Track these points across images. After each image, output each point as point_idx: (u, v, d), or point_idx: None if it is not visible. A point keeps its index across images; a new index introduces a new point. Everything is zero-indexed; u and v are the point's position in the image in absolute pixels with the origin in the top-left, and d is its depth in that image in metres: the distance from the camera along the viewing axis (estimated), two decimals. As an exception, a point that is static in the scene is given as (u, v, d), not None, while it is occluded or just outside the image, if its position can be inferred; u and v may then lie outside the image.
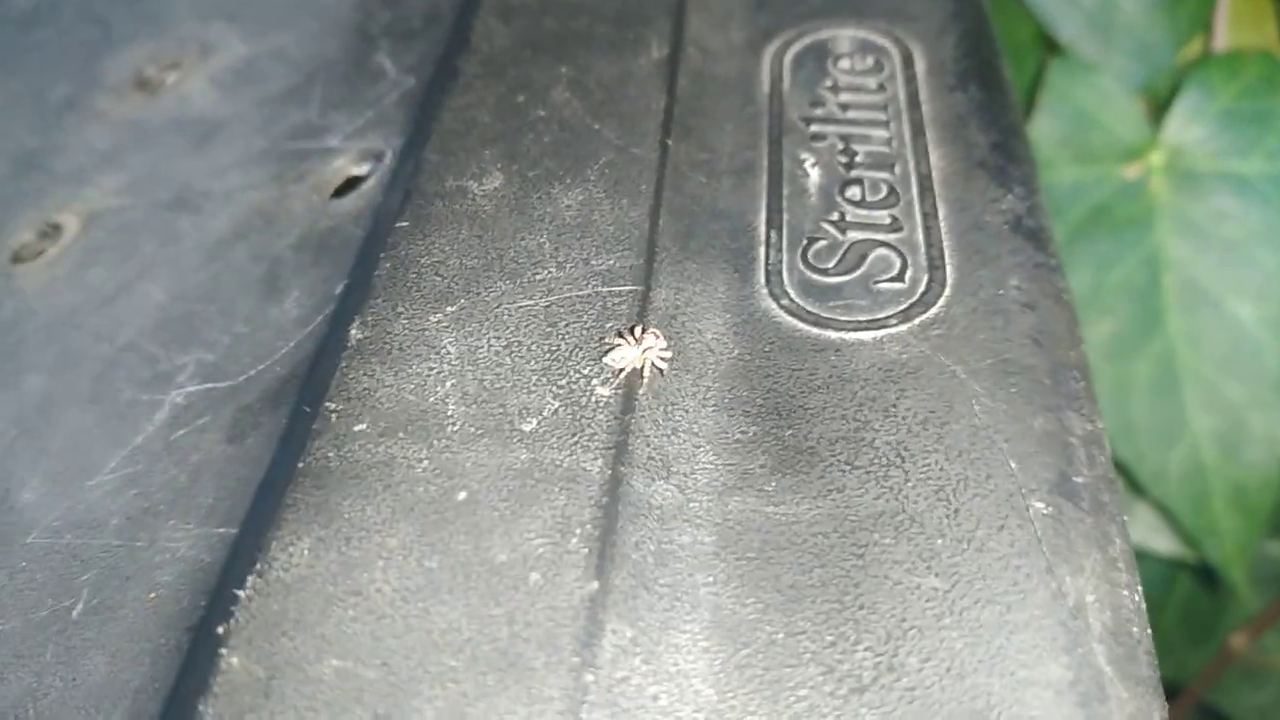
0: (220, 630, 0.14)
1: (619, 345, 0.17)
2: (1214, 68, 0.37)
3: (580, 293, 0.18)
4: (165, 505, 0.18)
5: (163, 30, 0.32)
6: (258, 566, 0.14)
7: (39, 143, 0.29)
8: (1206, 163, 0.37)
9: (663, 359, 0.17)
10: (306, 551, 0.15)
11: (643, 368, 0.17)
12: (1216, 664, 0.48)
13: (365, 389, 0.17)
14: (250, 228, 0.24)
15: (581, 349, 0.17)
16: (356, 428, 0.16)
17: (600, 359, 0.17)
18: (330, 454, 0.16)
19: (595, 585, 0.14)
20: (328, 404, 0.17)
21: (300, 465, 0.16)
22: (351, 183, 0.24)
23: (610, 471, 0.16)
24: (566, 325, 0.18)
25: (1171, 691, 0.50)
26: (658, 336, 0.17)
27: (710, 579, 0.15)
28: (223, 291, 0.22)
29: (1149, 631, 0.15)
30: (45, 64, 0.32)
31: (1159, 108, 0.38)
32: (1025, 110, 0.38)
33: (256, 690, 0.13)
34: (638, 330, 0.17)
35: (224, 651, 0.14)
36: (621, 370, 0.17)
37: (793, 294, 0.19)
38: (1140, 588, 0.16)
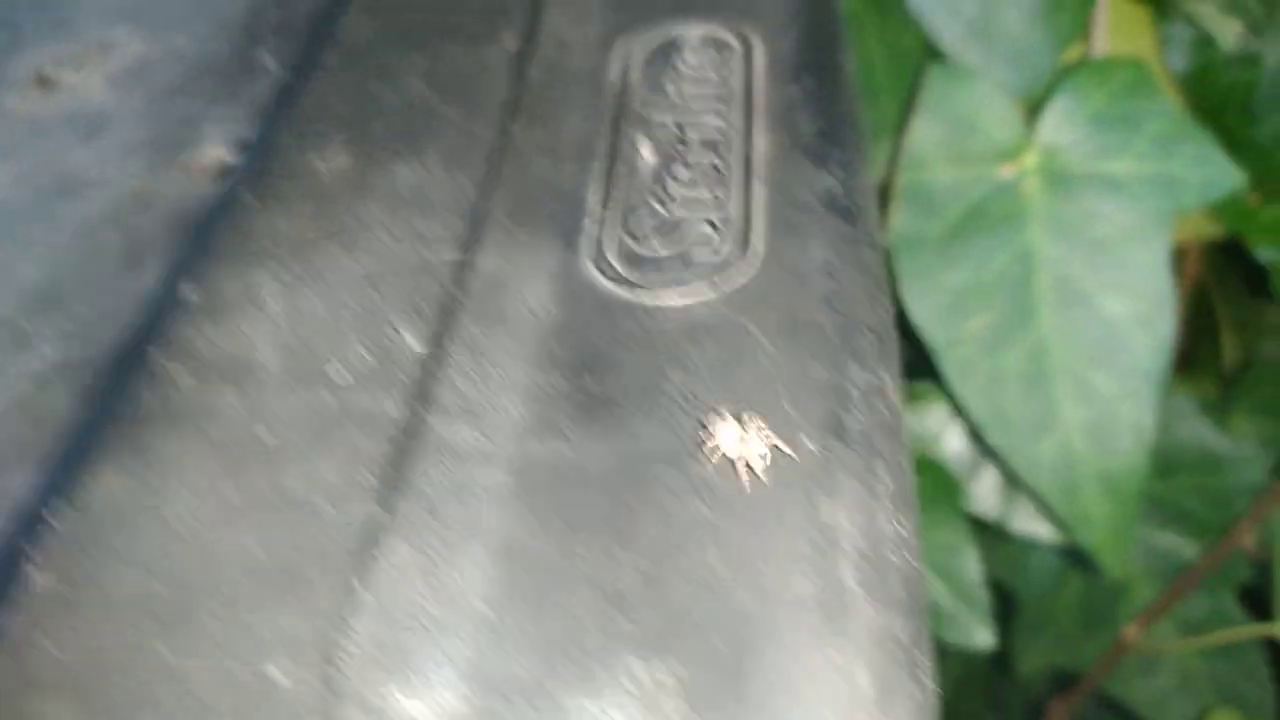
0: (27, 548, 0.15)
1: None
2: (1085, 73, 0.39)
3: (405, 257, 0.19)
4: (12, 460, 0.19)
5: (68, 33, 0.33)
6: (67, 493, 0.16)
7: (-64, 135, 0.30)
8: (1078, 164, 0.38)
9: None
10: (114, 482, 0.16)
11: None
12: (1112, 654, 0.50)
13: (189, 341, 0.18)
14: (124, 210, 0.25)
15: (400, 308, 0.19)
16: (177, 376, 0.17)
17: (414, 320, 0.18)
18: (150, 398, 0.17)
19: (379, 511, 0.16)
20: (151, 352, 0.18)
21: (120, 409, 0.17)
22: (225, 170, 0.25)
23: (410, 414, 0.17)
24: (388, 286, 0.19)
25: (1069, 680, 0.51)
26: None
27: (500, 511, 0.16)
28: (91, 268, 0.23)
29: (915, 562, 0.17)
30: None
31: (1037, 112, 0.40)
32: (905, 114, 0.40)
33: (56, 602, 0.14)
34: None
35: (29, 568, 0.15)
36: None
37: (614, 263, 0.20)
38: (909, 523, 0.17)
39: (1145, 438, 0.38)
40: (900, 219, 0.39)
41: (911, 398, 0.43)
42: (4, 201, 0.27)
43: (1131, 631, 0.49)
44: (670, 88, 0.24)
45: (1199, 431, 0.48)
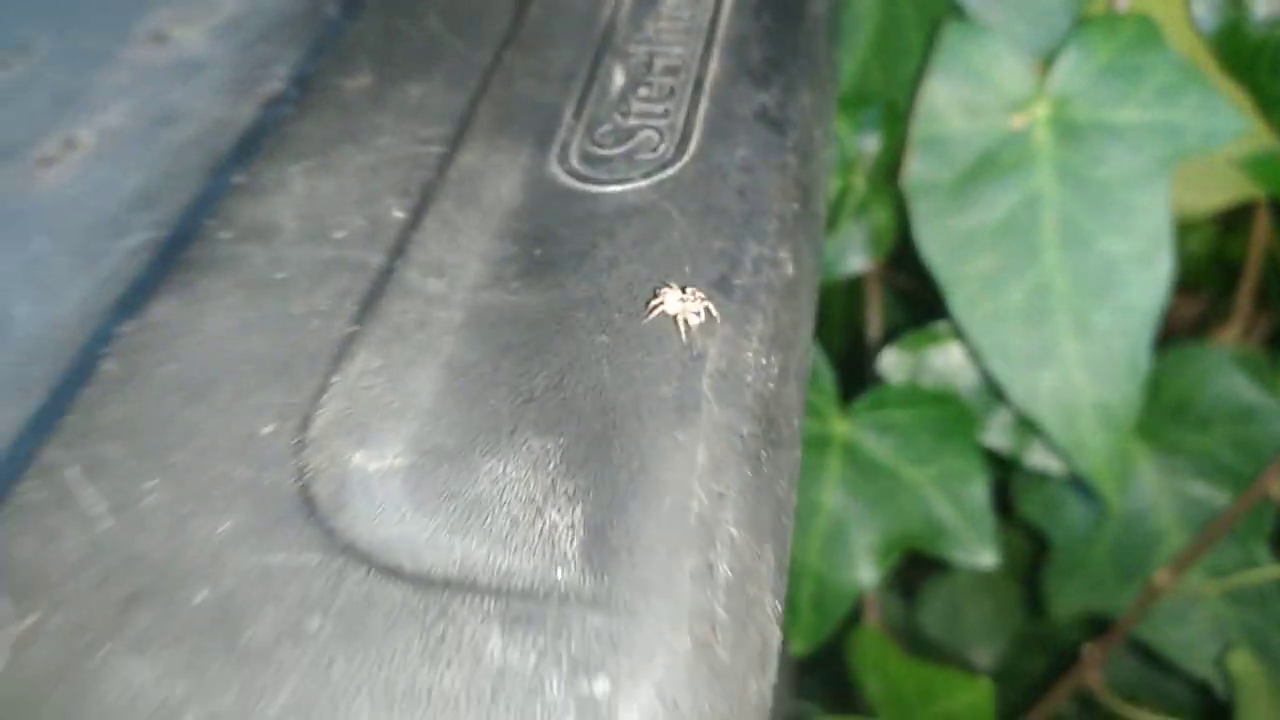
0: (104, 350, 0.21)
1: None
2: (1094, 27, 0.41)
3: (402, 152, 0.24)
4: (111, 311, 0.25)
5: (184, -3, 0.40)
6: (137, 314, 0.21)
7: (75, 82, 0.37)
8: (1085, 113, 0.41)
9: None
10: (167, 305, 0.21)
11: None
12: (1143, 599, 0.51)
13: (232, 211, 0.23)
14: (207, 134, 0.31)
15: (392, 189, 0.24)
16: (221, 235, 0.23)
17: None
18: (200, 251, 0.23)
19: (356, 328, 0.21)
20: (207, 220, 0.23)
21: (180, 259, 0.22)
22: (281, 97, 0.31)
23: (389, 264, 0.22)
24: (385, 173, 0.24)
25: (1101, 626, 0.53)
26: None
27: (453, 339, 0.21)
28: (179, 177, 0.29)
29: (771, 386, 0.21)
30: (91, 25, 0.40)
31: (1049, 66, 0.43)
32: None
33: (116, 381, 0.20)
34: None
35: (101, 360, 0.20)
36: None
37: (574, 162, 0.25)
38: (780, 361, 0.21)
39: (1140, 371, 0.40)
40: (915, 167, 0.42)
41: (932, 337, 0.46)
42: (119, 129, 0.33)
43: (1162, 577, 0.51)
44: (649, 25, 0.29)
45: (1235, 384, 0.50)
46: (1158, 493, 0.51)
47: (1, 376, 0.24)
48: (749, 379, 0.20)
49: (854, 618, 0.49)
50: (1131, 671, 0.57)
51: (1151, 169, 0.40)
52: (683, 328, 0.21)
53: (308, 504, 0.18)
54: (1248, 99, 0.46)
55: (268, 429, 0.19)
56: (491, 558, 0.17)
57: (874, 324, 0.53)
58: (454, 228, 0.23)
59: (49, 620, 0.16)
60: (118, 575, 0.17)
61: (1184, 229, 0.66)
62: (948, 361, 0.46)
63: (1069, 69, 0.41)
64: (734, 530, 0.18)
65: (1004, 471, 0.54)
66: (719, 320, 0.21)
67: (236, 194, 0.24)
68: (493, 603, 0.16)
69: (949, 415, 0.44)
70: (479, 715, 0.15)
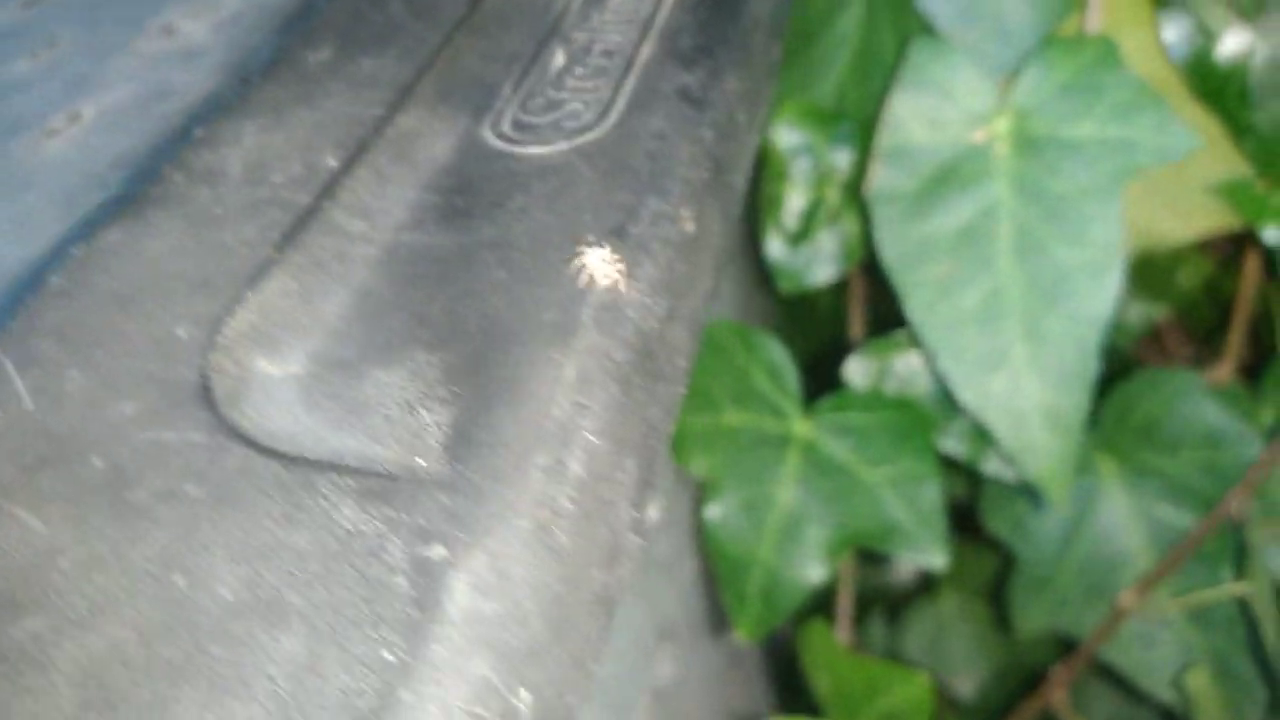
0: (53, 267, 0.23)
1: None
2: (1057, 47, 0.43)
3: (345, 113, 0.27)
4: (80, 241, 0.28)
5: (196, -3, 0.43)
6: (87, 239, 0.23)
7: (89, 68, 0.40)
8: (1044, 128, 0.42)
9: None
10: (114, 234, 0.24)
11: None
12: (1110, 620, 0.52)
13: (188, 160, 0.26)
14: (196, 107, 0.33)
15: (331, 142, 0.26)
16: (174, 177, 0.25)
17: None
18: (154, 190, 0.25)
19: (275, 255, 0.23)
20: (165, 166, 0.26)
21: (135, 194, 0.25)
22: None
23: (316, 204, 0.24)
24: (328, 129, 0.26)
25: (1068, 648, 0.54)
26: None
27: (367, 271, 0.23)
28: (165, 142, 0.32)
29: (654, 325, 0.23)
30: (110, 21, 0.44)
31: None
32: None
33: (60, 294, 0.22)
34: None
35: (49, 276, 0.23)
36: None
37: (505, 128, 0.27)
38: (665, 302, 0.23)
39: (1088, 377, 0.41)
40: (879, 176, 0.44)
41: (895, 344, 0.47)
42: (118, 104, 0.36)
43: (1128, 598, 0.51)
44: (595, 16, 0.31)
45: (1203, 408, 0.50)
46: (1125, 513, 0.51)
47: (-25, 303, 0.27)
48: (631, 314, 0.22)
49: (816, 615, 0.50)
50: (1101, 694, 0.57)
51: (1106, 183, 0.41)
52: (599, 282, 0.22)
53: (205, 395, 0.20)
54: (1219, 126, 0.47)
55: (182, 333, 0.21)
56: (362, 448, 0.19)
57: (855, 329, 0.54)
58: (383, 178, 0.25)
59: (-39, 477, 0.18)
60: (30, 445, 0.19)
61: (1173, 263, 0.67)
62: (909, 368, 0.47)
63: (1031, 85, 0.43)
64: (592, 437, 0.20)
65: (974, 490, 0.55)
66: (609, 255, 0.23)
67: (194, 144, 0.26)
68: (352, 480, 0.18)
69: (907, 420, 0.45)
70: (321, 567, 0.17)
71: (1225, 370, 0.63)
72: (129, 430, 0.19)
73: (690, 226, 0.25)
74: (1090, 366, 0.41)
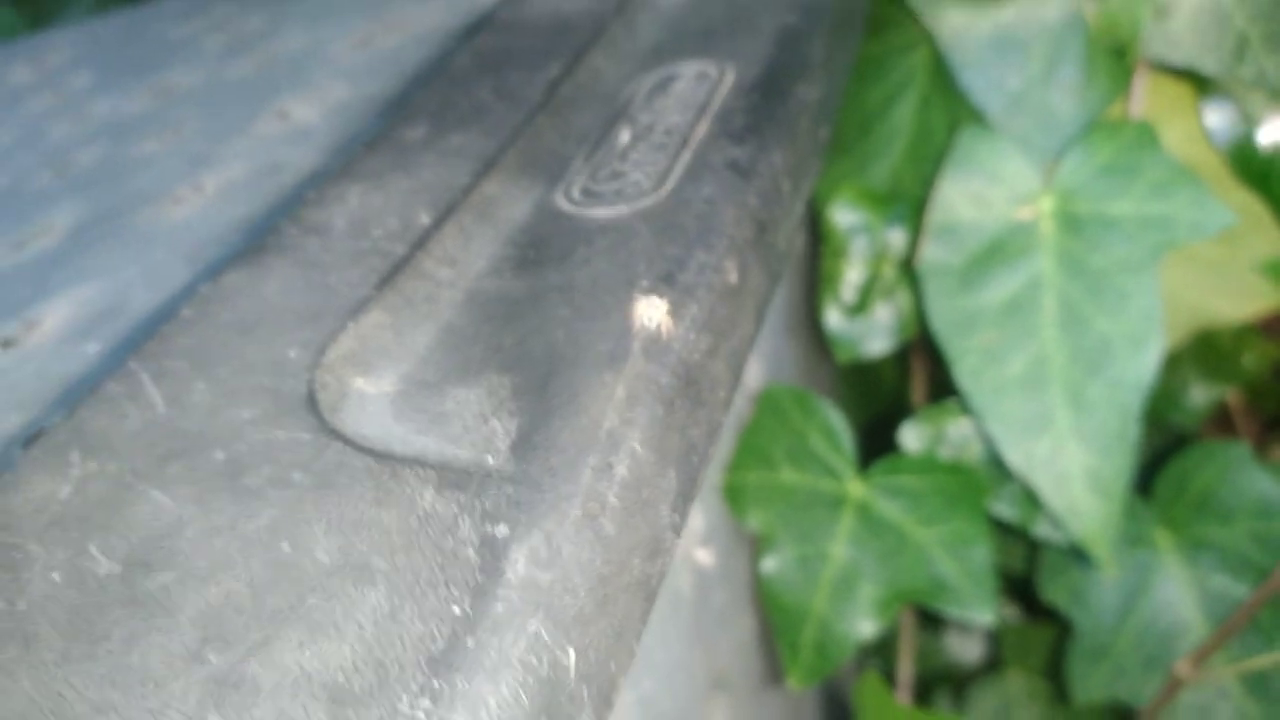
0: (185, 303, 0.27)
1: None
2: (1099, 131, 0.46)
3: (438, 180, 0.31)
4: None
5: (305, 83, 0.48)
6: (213, 279, 0.28)
7: (210, 148, 0.45)
8: (1086, 206, 0.45)
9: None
10: (238, 275, 0.28)
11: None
12: (1166, 692, 0.52)
13: (300, 216, 0.30)
14: (303, 179, 0.38)
15: (425, 204, 0.30)
16: (288, 231, 0.29)
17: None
18: (270, 240, 0.29)
19: (373, 294, 0.26)
20: (281, 221, 0.30)
21: (254, 246, 0.29)
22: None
23: (410, 254, 0.28)
24: (422, 195, 0.30)
25: (1126, 717, 0.54)
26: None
27: (451, 310, 0.27)
28: (277, 208, 0.36)
29: (696, 357, 0.26)
30: (230, 106, 0.49)
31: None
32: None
33: (189, 321, 0.26)
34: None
35: (182, 309, 0.27)
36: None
37: (575, 195, 0.31)
38: (708, 342, 0.26)
39: (1129, 441, 0.43)
40: (928, 251, 0.47)
41: (948, 411, 0.49)
42: (236, 178, 0.41)
43: (1184, 667, 0.51)
44: (658, 101, 0.35)
45: (1255, 479, 0.51)
46: (1182, 584, 0.52)
47: (117, 341, 0.31)
48: (675, 347, 0.25)
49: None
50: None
51: (1144, 257, 0.44)
52: (637, 316, 0.26)
53: (310, 404, 0.23)
54: (1268, 210, 0.49)
55: (292, 354, 0.25)
56: (443, 449, 0.22)
57: (918, 396, 0.57)
58: (468, 234, 0.29)
59: (106, 466, 0.22)
60: (162, 441, 0.23)
61: (1237, 344, 0.68)
62: (962, 435, 0.49)
63: (1073, 166, 0.46)
64: (638, 447, 0.23)
65: (1031, 565, 0.56)
66: (658, 302, 0.26)
67: (305, 204, 0.30)
68: (432, 472, 0.21)
69: (959, 483, 0.47)
70: (404, 540, 0.20)
71: (1292, 454, 0.63)
72: (245, 430, 0.23)
73: (733, 277, 0.28)
74: (1131, 431, 0.43)
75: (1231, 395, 0.70)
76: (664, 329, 0.26)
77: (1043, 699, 0.67)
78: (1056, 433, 0.44)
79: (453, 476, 0.21)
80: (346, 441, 0.22)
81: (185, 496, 0.21)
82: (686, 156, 0.32)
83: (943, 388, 0.58)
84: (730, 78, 0.35)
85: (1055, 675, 0.66)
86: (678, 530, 0.23)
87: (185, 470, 0.22)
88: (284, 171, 0.39)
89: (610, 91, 0.36)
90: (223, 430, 0.23)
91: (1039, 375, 0.44)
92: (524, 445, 0.22)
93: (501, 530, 0.20)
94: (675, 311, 0.26)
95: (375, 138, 0.34)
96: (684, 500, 0.24)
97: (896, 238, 0.51)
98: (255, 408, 0.23)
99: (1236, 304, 0.57)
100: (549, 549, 0.20)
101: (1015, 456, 0.44)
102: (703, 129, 0.33)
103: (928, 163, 0.52)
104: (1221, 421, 0.73)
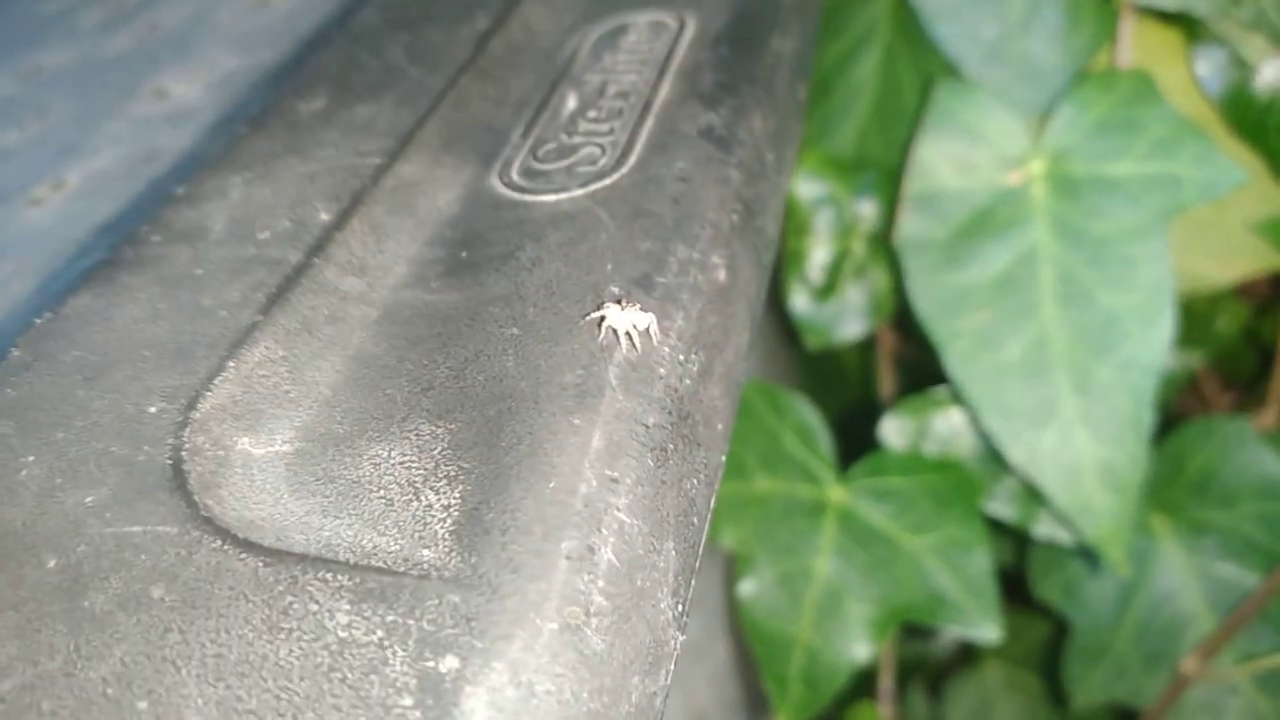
0: (16, 340, 0.20)
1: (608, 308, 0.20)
2: (1090, 84, 0.41)
3: (340, 163, 0.24)
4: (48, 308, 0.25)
5: (187, 57, 0.41)
6: (53, 307, 0.21)
7: (78, 136, 0.38)
8: (1082, 168, 0.40)
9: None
10: (84, 299, 0.21)
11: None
12: (1173, 688, 0.48)
13: (167, 219, 0.23)
14: (181, 166, 0.31)
15: (324, 194, 0.23)
16: (151, 238, 0.23)
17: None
18: (128, 251, 0.23)
19: (260, 319, 0.20)
20: (143, 226, 0.23)
21: (107, 258, 0.22)
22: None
23: (306, 261, 0.22)
24: (321, 180, 0.24)
25: (1128, 718, 0.50)
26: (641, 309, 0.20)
27: (363, 334, 0.21)
28: (150, 205, 0.30)
29: (688, 383, 0.20)
30: (108, 88, 0.42)
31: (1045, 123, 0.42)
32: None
33: (21, 366, 0.20)
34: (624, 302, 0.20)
35: (12, 349, 0.20)
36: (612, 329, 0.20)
37: (514, 176, 0.25)
38: (702, 359, 0.20)
39: (1144, 429, 0.38)
40: (907, 223, 0.42)
41: (935, 402, 0.44)
42: (105, 169, 0.34)
43: (1191, 664, 0.47)
44: (607, 57, 0.29)
45: (1260, 458, 0.47)
46: (1184, 573, 0.48)
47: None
48: (661, 372, 0.19)
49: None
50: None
51: (1150, 222, 0.39)
52: (622, 339, 0.20)
53: (177, 480, 0.17)
54: (1259, 162, 0.45)
55: (153, 409, 0.18)
56: (358, 537, 0.16)
57: (886, 386, 0.52)
58: (381, 232, 0.23)
59: (-109, 584, 0.16)
60: (-28, 544, 0.16)
61: (1211, 309, 0.64)
62: (950, 427, 0.44)
63: (1065, 124, 0.41)
64: (625, 518, 0.17)
65: (1021, 555, 0.52)
66: (635, 310, 0.20)
67: (174, 202, 0.24)
68: (346, 577, 0.15)
69: (950, 482, 0.42)
70: (312, 687, 0.14)
71: (1271, 417, 0.60)
72: (89, 523, 0.16)
73: (722, 275, 0.22)
74: (1146, 418, 0.38)
75: (1198, 361, 0.66)
76: (645, 349, 0.20)
77: (1025, 693, 0.63)
78: (1063, 423, 0.39)
79: (376, 583, 0.15)
80: (226, 535, 0.16)
81: (3, 629, 0.15)
82: (650, 124, 0.26)
83: (914, 374, 0.53)
84: (692, 28, 0.29)
85: (1038, 668, 0.62)
86: (682, 625, 0.17)
87: (4, 588, 0.16)
88: (160, 159, 0.32)
89: (548, 48, 0.30)
90: (58, 525, 0.17)
91: (1040, 359, 0.39)
92: (471, 527, 0.16)
93: (449, 664, 0.14)
94: (656, 324, 0.20)
95: (261, 113, 0.27)
96: (686, 581, 0.18)
97: (867, 209, 0.46)
98: (102, 488, 0.17)
99: (1223, 265, 0.53)
100: (518, 688, 0.14)
101: (1017, 451, 0.39)
102: (666, 90, 0.27)
103: (897, 124, 0.47)
104: (1189, 389, 0.69)
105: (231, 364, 0.19)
